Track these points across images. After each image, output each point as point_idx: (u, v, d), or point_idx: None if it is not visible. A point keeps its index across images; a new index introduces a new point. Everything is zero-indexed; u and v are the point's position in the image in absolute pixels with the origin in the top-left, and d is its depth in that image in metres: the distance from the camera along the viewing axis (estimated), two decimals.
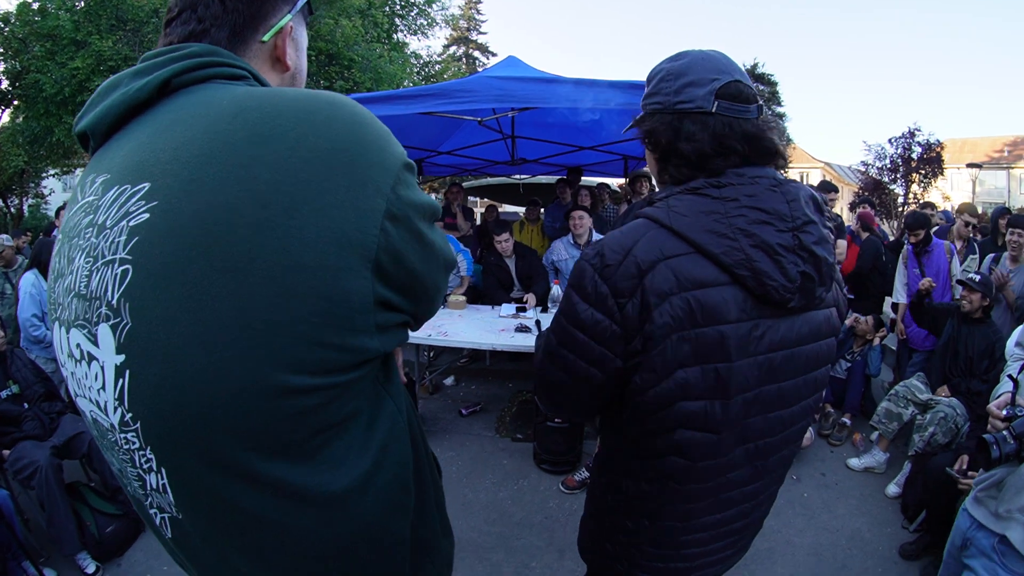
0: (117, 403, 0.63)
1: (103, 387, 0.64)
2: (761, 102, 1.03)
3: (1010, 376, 1.84)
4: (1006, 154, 35.92)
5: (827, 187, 5.46)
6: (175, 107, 0.68)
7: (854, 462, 4.00)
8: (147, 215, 0.60)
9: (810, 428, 4.00)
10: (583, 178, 7.50)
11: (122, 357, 0.61)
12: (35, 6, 10.74)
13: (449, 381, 5.33)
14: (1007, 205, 29.85)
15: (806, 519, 3.35)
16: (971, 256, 5.13)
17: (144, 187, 0.62)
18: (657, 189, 1.10)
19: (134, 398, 0.61)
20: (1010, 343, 2.81)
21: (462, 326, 4.15)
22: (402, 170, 0.68)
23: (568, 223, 5.04)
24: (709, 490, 1.04)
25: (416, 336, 3.79)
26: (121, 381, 0.62)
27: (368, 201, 0.63)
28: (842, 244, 5.15)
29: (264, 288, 0.57)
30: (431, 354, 5.44)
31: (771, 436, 1.04)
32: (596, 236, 5.07)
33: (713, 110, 0.97)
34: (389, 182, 0.65)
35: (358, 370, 0.66)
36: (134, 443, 0.64)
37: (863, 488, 3.73)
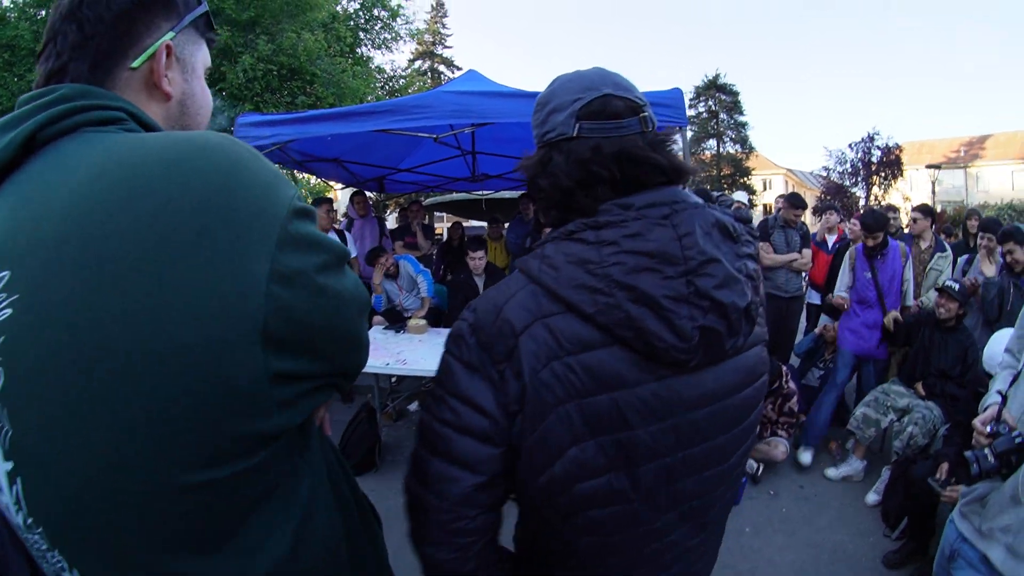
0: (16, 507, 0.58)
1: (0, 489, 0.58)
2: (648, 112, 0.86)
3: (999, 391, 1.77)
4: (962, 154, 37.39)
5: (795, 202, 5.20)
6: (38, 170, 0.61)
7: (831, 472, 3.95)
8: (10, 310, 0.54)
9: (784, 442, 3.93)
10: None
11: (11, 464, 0.56)
12: None
13: (413, 407, 5.14)
14: (965, 202, 30.82)
15: (787, 535, 3.29)
16: (939, 254, 5.11)
17: (4, 276, 0.55)
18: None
19: (32, 503, 0.56)
20: (992, 350, 2.76)
21: (423, 352, 4.00)
22: (291, 219, 0.60)
23: (530, 240, 4.93)
24: (645, 556, 0.89)
25: (373, 365, 3.64)
26: (15, 487, 0.56)
27: (249, 264, 0.56)
28: (807, 253, 5.14)
29: (141, 384, 0.52)
30: (393, 380, 5.27)
31: (709, 493, 0.89)
32: None
33: (575, 134, 0.83)
34: (273, 237, 0.58)
35: (265, 450, 0.61)
36: (42, 544, 0.58)
37: (842, 498, 3.70)
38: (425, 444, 0.85)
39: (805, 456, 4.09)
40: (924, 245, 5.26)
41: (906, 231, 6.24)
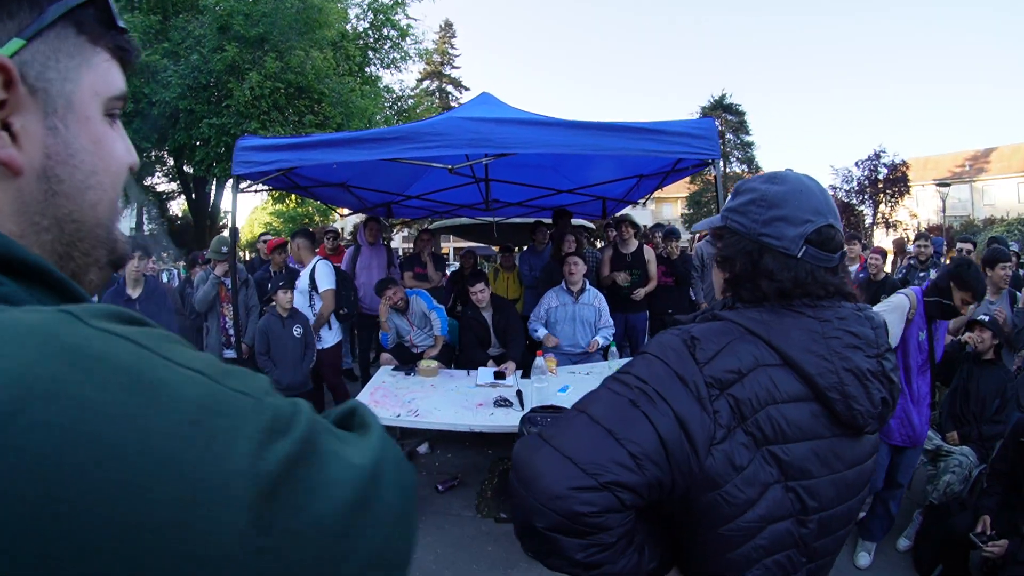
0: None
1: None
2: (844, 249, 1.00)
3: None
4: (968, 168, 37.40)
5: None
6: None
7: (862, 515, 3.59)
8: None
9: None
10: (549, 221, 7.08)
11: None
12: None
13: (423, 449, 4.83)
14: (971, 217, 30.66)
15: None
16: None
17: None
18: (717, 296, 1.05)
19: None
20: None
21: (435, 400, 3.70)
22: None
23: (547, 272, 4.68)
24: None
25: (384, 418, 3.33)
26: None
27: None
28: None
29: None
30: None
31: (831, 555, 0.97)
32: (590, 290, 4.75)
33: (799, 255, 0.93)
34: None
35: None
36: None
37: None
38: (600, 417, 0.83)
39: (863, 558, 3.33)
40: None
41: (947, 262, 5.96)
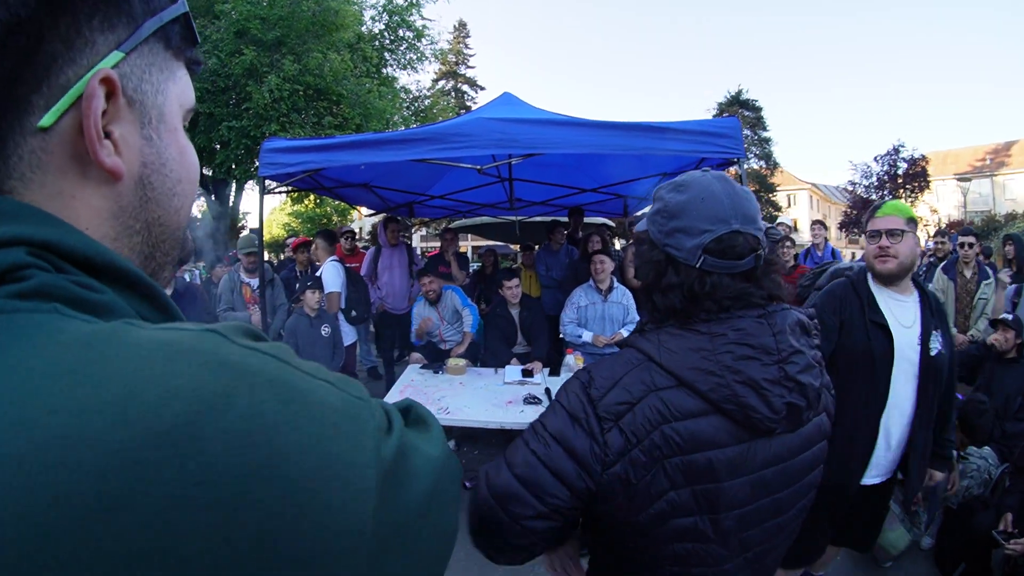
0: None
1: None
2: (762, 249, 1.00)
3: None
4: (988, 162, 36.72)
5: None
6: None
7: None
8: None
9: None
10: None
11: None
12: None
13: (450, 444, 4.85)
14: (992, 211, 30.14)
15: None
16: (984, 282, 4.77)
17: None
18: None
19: None
20: None
21: (465, 398, 3.72)
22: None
23: (572, 270, 4.68)
24: None
25: None
26: None
27: None
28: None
29: None
30: None
31: (769, 543, 1.05)
32: (617, 287, 4.75)
33: (697, 265, 0.97)
34: None
35: None
36: None
37: None
38: (511, 464, 1.00)
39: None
40: (969, 274, 4.90)
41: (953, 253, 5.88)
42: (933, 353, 2.07)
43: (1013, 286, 4.77)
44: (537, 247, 6.39)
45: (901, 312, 2.15)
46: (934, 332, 2.09)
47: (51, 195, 0.39)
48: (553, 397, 1.05)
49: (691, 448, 0.93)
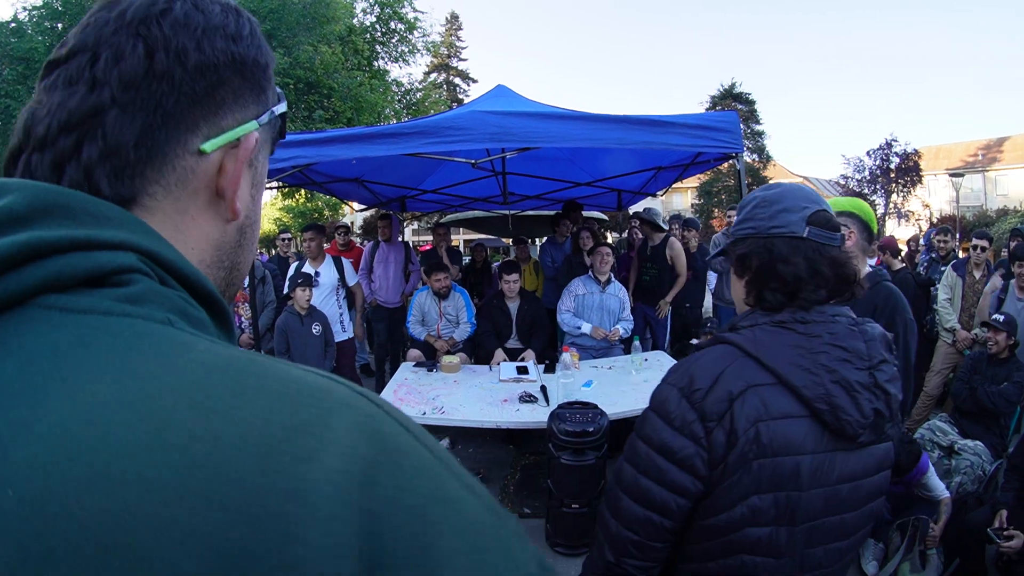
0: None
1: None
2: (844, 232, 1.10)
3: None
4: (980, 158, 36.88)
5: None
6: None
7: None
8: None
9: None
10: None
11: None
12: (12, 26, 10.23)
13: (444, 444, 4.81)
14: (984, 207, 30.37)
15: None
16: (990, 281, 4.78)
17: None
18: (738, 312, 1.14)
19: None
20: None
21: (460, 397, 3.67)
22: None
23: (567, 265, 4.68)
24: None
25: (410, 415, 3.31)
26: None
27: None
28: None
29: None
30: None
31: (827, 567, 1.03)
32: (615, 282, 4.78)
33: (805, 235, 1.02)
34: None
35: None
36: None
37: None
38: (626, 490, 1.02)
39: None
40: (978, 275, 4.91)
41: (961, 255, 5.88)
42: None
43: (1001, 283, 4.79)
44: (532, 241, 6.37)
45: None
46: None
47: (180, 210, 0.44)
48: (647, 404, 1.06)
49: (782, 450, 0.93)
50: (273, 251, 9.84)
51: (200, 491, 0.26)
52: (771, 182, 1.13)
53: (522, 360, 4.40)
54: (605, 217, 9.07)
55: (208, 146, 0.44)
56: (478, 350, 4.83)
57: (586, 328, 4.60)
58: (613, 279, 4.79)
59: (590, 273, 4.77)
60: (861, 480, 1.00)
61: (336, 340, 4.90)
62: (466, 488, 0.34)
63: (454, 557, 0.30)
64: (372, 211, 6.79)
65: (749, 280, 1.08)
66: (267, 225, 29.39)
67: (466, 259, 9.02)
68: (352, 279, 5.29)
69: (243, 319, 5.01)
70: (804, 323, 0.99)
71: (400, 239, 6.40)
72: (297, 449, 0.28)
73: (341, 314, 5.13)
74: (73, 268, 0.33)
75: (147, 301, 0.35)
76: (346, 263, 5.32)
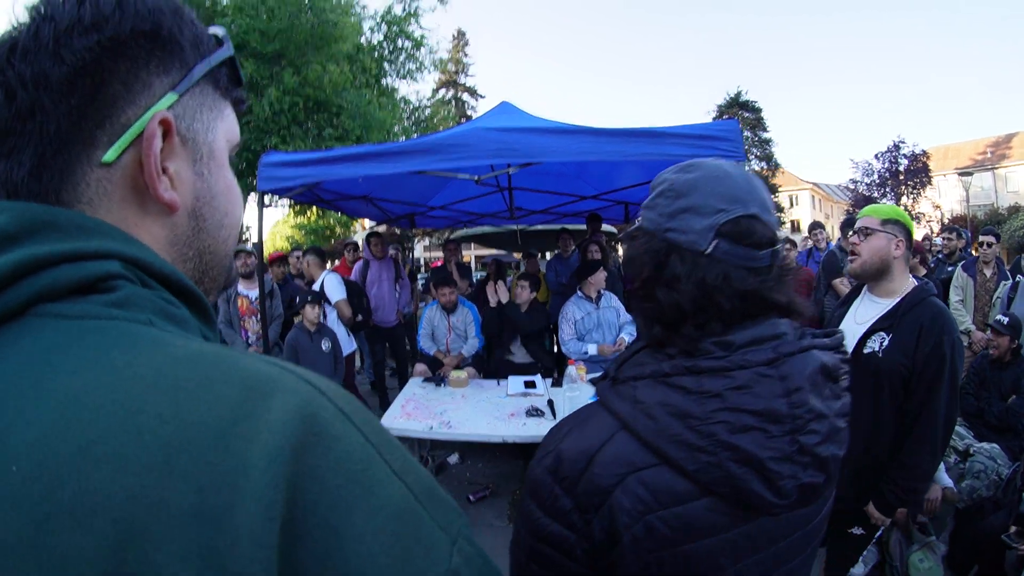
0: None
1: None
2: (779, 245, 0.81)
3: None
4: (989, 155, 36.63)
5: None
6: None
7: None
8: None
9: None
10: (574, 227, 7.11)
11: None
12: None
13: (454, 459, 4.82)
14: (995, 205, 30.05)
15: None
16: (1004, 282, 4.76)
17: None
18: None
19: None
20: None
21: (467, 411, 3.68)
22: None
23: (576, 279, 4.73)
24: None
25: (413, 429, 3.36)
26: None
27: None
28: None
29: None
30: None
31: None
32: (605, 293, 4.77)
33: (707, 251, 0.77)
34: None
35: None
36: None
37: None
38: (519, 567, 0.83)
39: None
40: (989, 273, 4.87)
41: (974, 253, 5.83)
42: (866, 351, 1.99)
43: (1007, 283, 4.75)
44: (542, 256, 6.41)
45: (864, 311, 2.10)
46: (880, 333, 1.99)
47: (115, 222, 0.43)
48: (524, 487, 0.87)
49: (686, 539, 0.74)
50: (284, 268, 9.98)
51: (167, 465, 0.30)
52: (693, 160, 0.85)
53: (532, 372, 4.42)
54: (614, 230, 9.06)
55: (110, 155, 0.42)
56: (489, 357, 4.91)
57: (592, 350, 4.60)
58: (604, 291, 4.80)
59: (579, 293, 4.78)
60: (806, 528, 0.83)
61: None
62: (396, 474, 0.37)
63: (363, 536, 0.33)
64: (383, 228, 6.85)
65: (632, 290, 0.85)
66: (280, 243, 29.66)
67: (478, 275, 9.07)
68: (336, 295, 5.17)
69: (249, 333, 5.06)
70: (695, 374, 0.75)
71: (390, 256, 6.46)
72: (244, 430, 0.33)
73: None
74: (64, 279, 0.37)
75: (131, 304, 0.39)
76: (329, 279, 5.27)
